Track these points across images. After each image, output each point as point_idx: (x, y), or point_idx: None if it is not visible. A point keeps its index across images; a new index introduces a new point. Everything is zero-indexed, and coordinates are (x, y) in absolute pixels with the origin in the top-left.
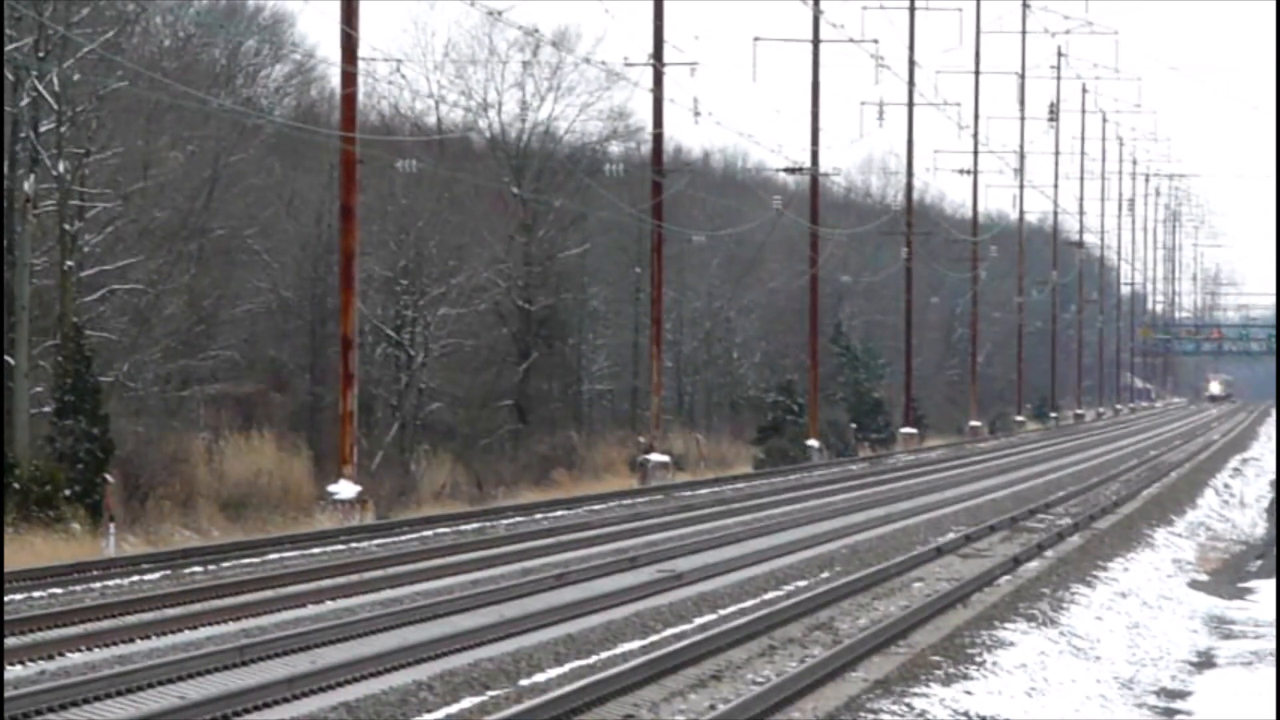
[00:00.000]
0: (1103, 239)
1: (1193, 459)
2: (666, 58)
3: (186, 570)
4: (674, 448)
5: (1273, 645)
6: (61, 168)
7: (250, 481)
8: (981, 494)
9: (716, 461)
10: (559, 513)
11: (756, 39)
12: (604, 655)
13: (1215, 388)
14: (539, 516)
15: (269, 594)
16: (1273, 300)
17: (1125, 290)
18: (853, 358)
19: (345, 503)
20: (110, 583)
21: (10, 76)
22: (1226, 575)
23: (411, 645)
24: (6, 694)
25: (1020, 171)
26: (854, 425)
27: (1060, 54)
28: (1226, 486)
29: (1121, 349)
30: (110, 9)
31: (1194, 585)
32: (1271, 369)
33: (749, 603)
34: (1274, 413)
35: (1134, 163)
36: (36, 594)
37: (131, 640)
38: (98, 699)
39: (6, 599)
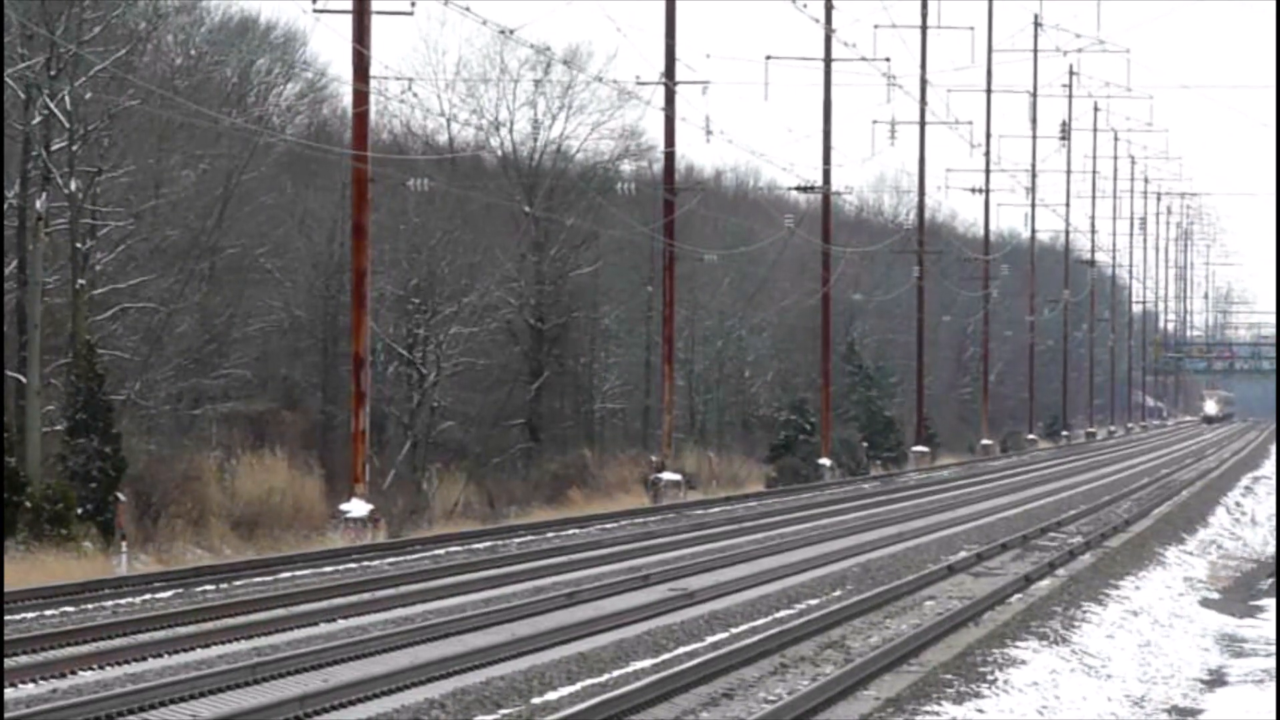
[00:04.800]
0: (1114, 257)
1: (1204, 477)
2: (678, 76)
3: (198, 589)
4: (686, 466)
5: None
6: (73, 186)
7: (262, 500)
8: (993, 512)
9: (728, 480)
10: (571, 531)
11: (768, 58)
12: (616, 673)
13: (1211, 407)
14: (551, 535)
15: (281, 612)
16: None
17: (1137, 309)
18: (865, 376)
19: (357, 521)
20: (122, 601)
21: (22, 95)
22: (1238, 593)
23: (424, 664)
24: (18, 713)
25: (1032, 190)
26: (866, 444)
27: (1072, 73)
28: (1238, 504)
29: (1133, 367)
30: (122, 27)
31: (1205, 603)
32: None
33: (761, 621)
34: None
35: (1145, 181)
36: (49, 612)
37: (144, 658)
38: (110, 717)
39: (19, 617)
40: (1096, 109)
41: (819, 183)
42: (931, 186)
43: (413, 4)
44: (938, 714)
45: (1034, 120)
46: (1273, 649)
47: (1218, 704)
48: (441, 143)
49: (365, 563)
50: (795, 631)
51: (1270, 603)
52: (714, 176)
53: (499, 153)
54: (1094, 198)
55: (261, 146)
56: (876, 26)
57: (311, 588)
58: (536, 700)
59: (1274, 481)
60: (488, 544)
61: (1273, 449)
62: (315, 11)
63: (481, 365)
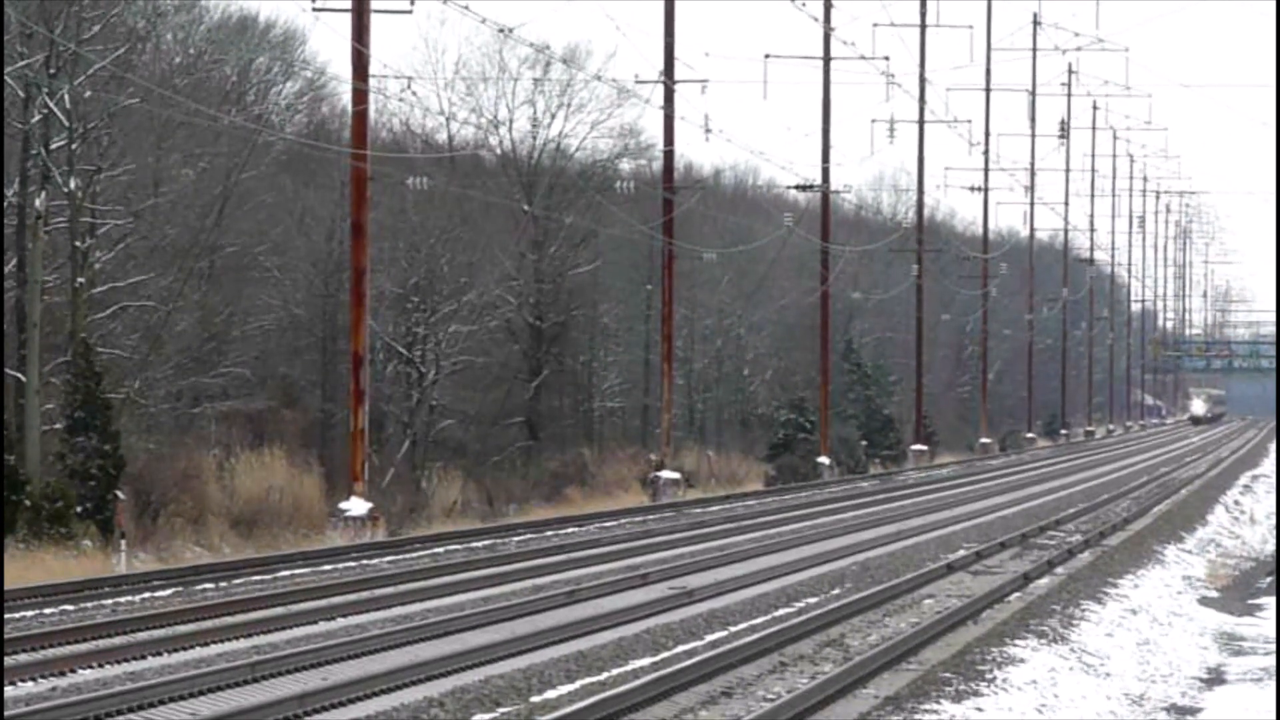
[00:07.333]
0: (1113, 256)
1: (1203, 476)
2: (677, 75)
3: (198, 587)
4: (685, 465)
5: None
6: (73, 185)
7: (261, 498)
8: (992, 511)
9: (727, 478)
10: (570, 529)
11: (767, 56)
12: (615, 672)
13: (1198, 406)
14: (550, 533)
15: (280, 611)
16: None
17: (1136, 307)
18: (863, 375)
19: (356, 520)
20: (121, 599)
21: (21, 93)
22: (1237, 592)
23: (423, 662)
24: (18, 711)
25: (1031, 188)
26: (865, 442)
27: (1071, 71)
28: (1237, 503)
29: (1132, 366)
30: (121, 26)
31: (1204, 602)
32: None
33: (760, 619)
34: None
35: (1144, 179)
36: (48, 610)
37: (143, 657)
38: (109, 715)
39: (19, 615)
40: (1095, 107)
41: (818, 181)
42: (930, 185)
43: (412, 3)
44: (937, 712)
45: (1033, 119)
46: (1272, 647)
47: (1217, 702)
48: (441, 141)
49: (364, 561)
50: (794, 630)
51: (1269, 601)
52: (713, 175)
53: (498, 151)
54: (1093, 196)
55: (261, 145)
56: (875, 25)
57: (310, 586)
58: (535, 699)
59: (1273, 480)
60: (486, 542)
61: (1272, 447)
62: (314, 10)
63: (480, 363)
